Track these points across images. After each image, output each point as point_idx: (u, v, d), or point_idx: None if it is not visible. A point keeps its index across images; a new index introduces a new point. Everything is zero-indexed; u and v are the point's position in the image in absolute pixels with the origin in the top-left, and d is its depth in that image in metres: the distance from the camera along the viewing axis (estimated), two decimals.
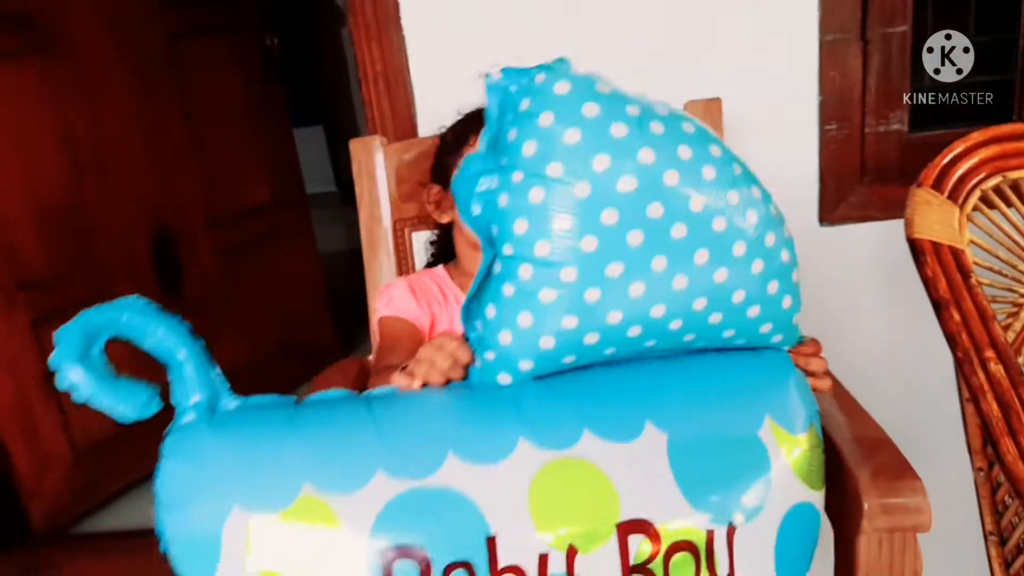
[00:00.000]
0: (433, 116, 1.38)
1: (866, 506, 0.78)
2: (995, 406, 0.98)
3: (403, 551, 0.67)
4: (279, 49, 2.44)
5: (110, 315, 0.69)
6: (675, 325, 0.77)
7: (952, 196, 1.12)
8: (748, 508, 0.75)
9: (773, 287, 0.79)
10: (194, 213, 2.29)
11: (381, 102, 1.37)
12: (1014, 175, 1.14)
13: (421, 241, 1.26)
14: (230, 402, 0.73)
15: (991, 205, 1.14)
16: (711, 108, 1.20)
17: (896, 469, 0.80)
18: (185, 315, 0.72)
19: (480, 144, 0.78)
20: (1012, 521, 1.14)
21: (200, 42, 2.25)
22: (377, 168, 1.24)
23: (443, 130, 1.17)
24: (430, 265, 1.22)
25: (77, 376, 0.67)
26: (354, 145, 1.24)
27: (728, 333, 0.80)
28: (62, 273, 1.99)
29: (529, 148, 0.72)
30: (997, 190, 1.14)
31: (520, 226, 0.72)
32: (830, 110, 1.34)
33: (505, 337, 0.75)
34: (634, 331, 0.76)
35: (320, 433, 0.71)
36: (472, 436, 0.73)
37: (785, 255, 0.80)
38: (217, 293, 2.36)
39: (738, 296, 0.77)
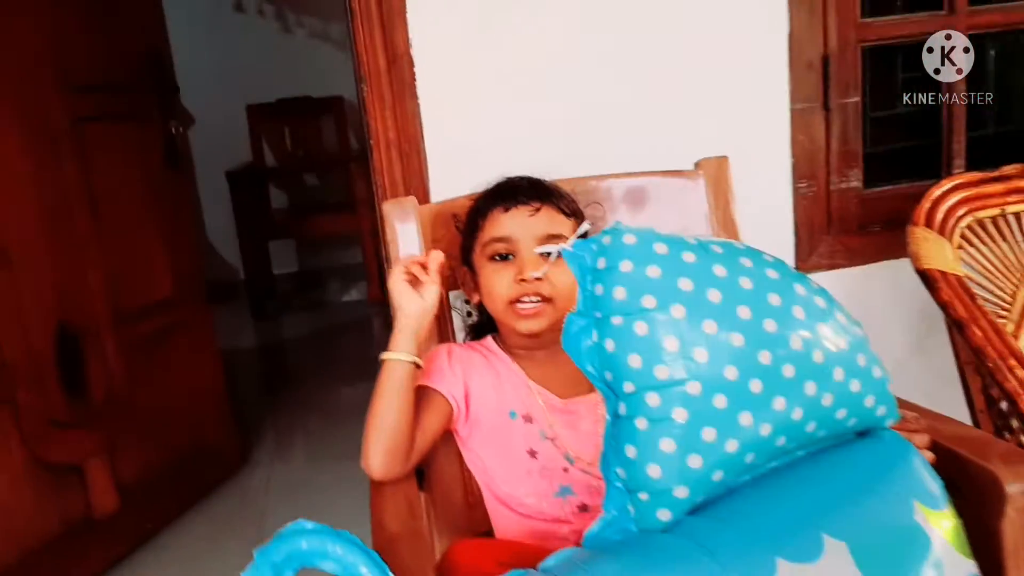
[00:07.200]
0: (446, 180, 1.41)
1: (1008, 491, 0.85)
2: None
3: None
4: (184, 137, 2.34)
5: (290, 547, 0.67)
6: (797, 415, 0.81)
7: (941, 231, 1.28)
8: None
9: (862, 360, 0.85)
10: (98, 307, 2.10)
11: (392, 169, 1.37)
12: (981, 214, 1.33)
13: (455, 298, 1.26)
14: None
15: (968, 241, 1.32)
16: (721, 164, 1.30)
17: (1019, 455, 0.89)
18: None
19: (577, 305, 0.84)
20: None
21: (106, 128, 2.13)
22: (411, 229, 1.23)
23: (469, 194, 1.20)
24: (473, 328, 1.23)
25: None
26: (387, 207, 1.23)
27: (840, 414, 0.85)
28: None
29: (619, 293, 0.80)
30: (970, 228, 1.32)
31: (634, 361, 0.78)
32: (800, 170, 1.50)
33: (654, 470, 0.77)
34: (765, 429, 0.80)
35: None
36: None
37: (858, 330, 0.87)
38: (122, 393, 2.16)
39: (838, 373, 0.83)
